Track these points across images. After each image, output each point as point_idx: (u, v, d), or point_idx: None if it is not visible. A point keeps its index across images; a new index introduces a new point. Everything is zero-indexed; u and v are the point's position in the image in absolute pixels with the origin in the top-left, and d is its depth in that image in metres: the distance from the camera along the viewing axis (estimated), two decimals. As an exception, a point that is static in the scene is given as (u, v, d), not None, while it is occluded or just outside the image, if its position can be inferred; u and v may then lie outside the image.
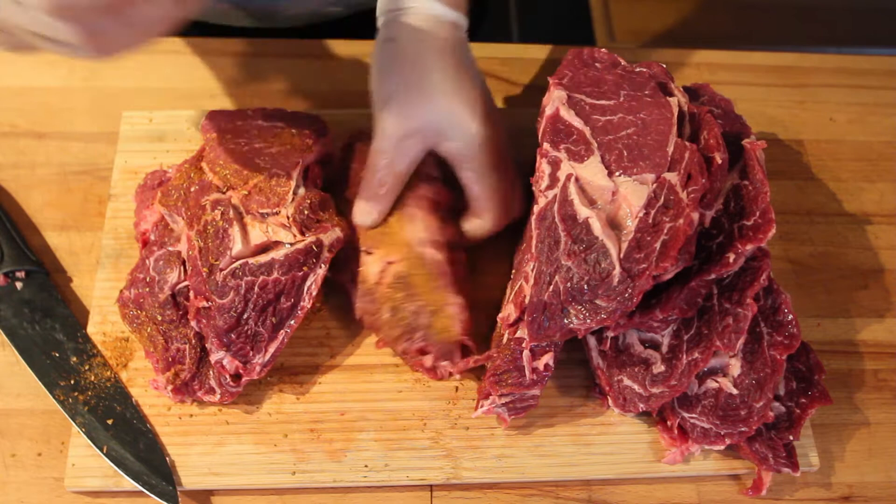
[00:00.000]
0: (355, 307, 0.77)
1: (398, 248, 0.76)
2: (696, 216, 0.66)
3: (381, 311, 0.75)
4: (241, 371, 0.72)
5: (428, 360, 0.75)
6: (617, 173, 0.70)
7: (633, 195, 0.68)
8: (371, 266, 0.76)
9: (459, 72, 0.75)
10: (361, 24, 0.93)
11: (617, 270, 0.66)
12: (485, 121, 0.75)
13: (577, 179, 0.70)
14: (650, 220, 0.67)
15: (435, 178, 0.80)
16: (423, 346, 0.74)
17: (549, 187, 0.71)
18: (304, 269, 0.73)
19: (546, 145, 0.72)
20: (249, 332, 0.72)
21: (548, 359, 0.71)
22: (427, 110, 0.74)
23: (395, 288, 0.75)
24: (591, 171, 0.70)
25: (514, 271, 0.79)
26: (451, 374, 0.76)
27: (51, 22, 0.53)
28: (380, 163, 0.76)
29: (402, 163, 0.76)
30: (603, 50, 0.79)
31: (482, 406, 0.72)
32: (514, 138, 0.81)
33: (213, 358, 0.72)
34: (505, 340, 0.73)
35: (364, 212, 0.77)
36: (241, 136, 0.80)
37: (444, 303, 0.74)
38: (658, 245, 0.66)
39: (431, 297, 0.74)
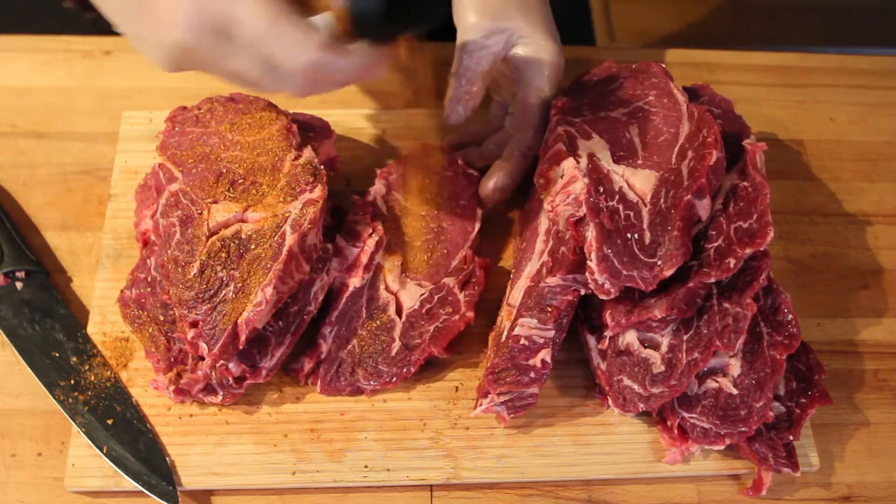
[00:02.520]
0: None
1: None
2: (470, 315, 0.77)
3: None
4: (247, 374, 0.73)
5: None
6: None
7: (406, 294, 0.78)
8: None
9: None
10: None
11: (397, 344, 0.76)
12: (556, 42, 0.80)
13: None
14: (423, 311, 0.77)
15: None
16: None
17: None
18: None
19: None
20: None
21: (544, 355, 0.71)
22: (511, 14, 0.78)
23: None
24: None
25: (513, 271, 0.79)
26: None
27: (289, 77, 0.60)
28: (465, 60, 0.79)
29: (487, 60, 0.79)
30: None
31: (481, 405, 0.72)
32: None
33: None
34: (503, 339, 0.73)
35: (455, 112, 0.80)
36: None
37: None
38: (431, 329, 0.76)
39: None
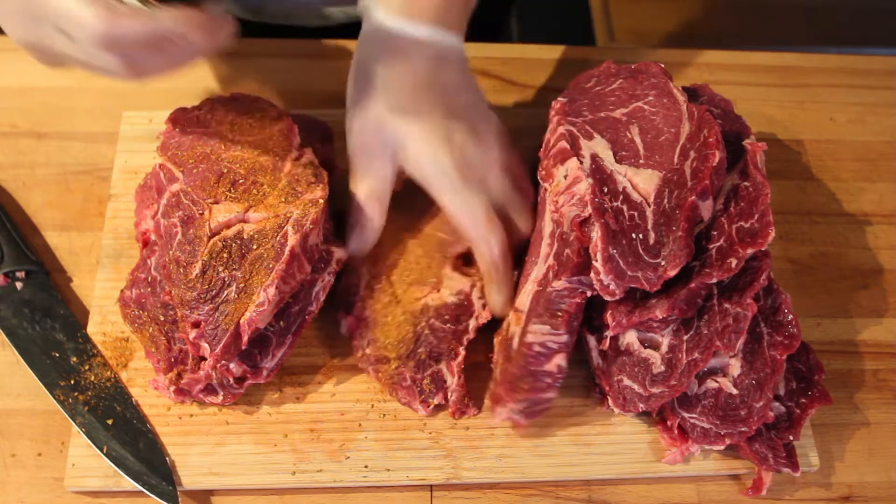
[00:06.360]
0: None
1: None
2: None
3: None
4: (247, 375, 0.73)
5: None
6: None
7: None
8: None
9: (416, 89, 0.74)
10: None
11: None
12: (442, 143, 0.73)
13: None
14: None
15: None
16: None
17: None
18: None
19: None
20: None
21: (559, 360, 0.71)
22: (374, 125, 0.74)
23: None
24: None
25: (515, 273, 0.79)
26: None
27: (96, 53, 0.61)
28: (353, 183, 0.76)
29: (371, 180, 0.75)
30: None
31: (499, 414, 0.72)
32: (514, 138, 0.81)
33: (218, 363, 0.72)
34: (516, 347, 0.72)
35: (356, 243, 0.77)
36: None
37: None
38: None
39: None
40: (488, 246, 0.75)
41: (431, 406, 0.74)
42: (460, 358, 0.75)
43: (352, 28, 1.00)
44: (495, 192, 0.76)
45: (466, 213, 0.74)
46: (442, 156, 0.73)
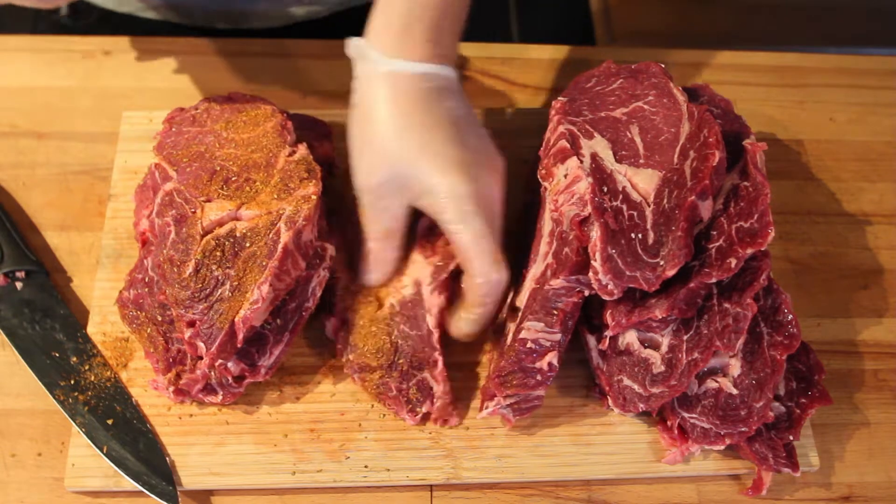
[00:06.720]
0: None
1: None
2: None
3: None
4: (245, 373, 0.72)
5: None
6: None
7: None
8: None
9: (423, 124, 0.72)
10: (340, 24, 0.93)
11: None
12: (457, 172, 0.71)
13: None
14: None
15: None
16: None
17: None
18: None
19: None
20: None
21: (551, 357, 0.71)
22: (384, 165, 0.73)
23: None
24: None
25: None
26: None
27: None
28: (365, 222, 0.76)
29: (384, 220, 0.75)
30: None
31: (487, 408, 0.72)
32: (514, 138, 0.81)
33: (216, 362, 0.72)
34: (509, 343, 0.73)
35: (368, 276, 0.77)
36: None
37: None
38: None
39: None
40: (487, 283, 0.72)
41: (419, 415, 0.74)
42: (440, 365, 0.74)
43: (307, 26, 1.00)
44: (498, 228, 0.75)
45: (475, 245, 0.72)
46: (458, 185, 0.71)
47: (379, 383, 0.74)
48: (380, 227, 0.75)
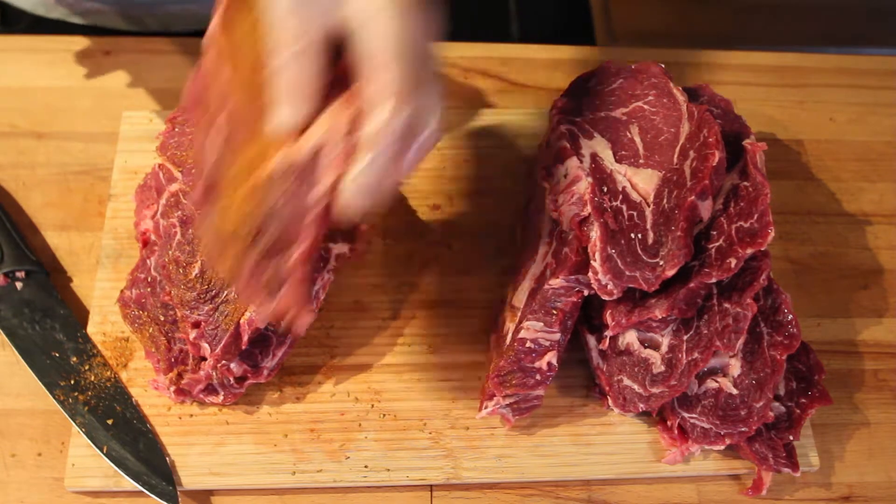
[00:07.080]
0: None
1: None
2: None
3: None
4: (248, 374, 0.73)
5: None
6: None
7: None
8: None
9: None
10: None
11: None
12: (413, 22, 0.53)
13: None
14: None
15: None
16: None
17: None
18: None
19: None
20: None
21: (550, 357, 0.71)
22: None
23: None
24: None
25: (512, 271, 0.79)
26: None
27: None
28: (276, 36, 0.55)
29: (301, 28, 0.55)
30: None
31: (486, 407, 0.73)
32: (514, 138, 0.81)
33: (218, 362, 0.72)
34: (508, 342, 0.73)
35: (275, 107, 0.56)
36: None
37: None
38: None
39: None
40: (381, 120, 0.54)
41: (268, 309, 0.60)
42: (305, 247, 0.58)
43: None
44: (425, 72, 0.56)
45: (384, 66, 0.54)
46: (407, 32, 0.54)
47: (233, 261, 0.59)
48: (295, 37, 0.55)
